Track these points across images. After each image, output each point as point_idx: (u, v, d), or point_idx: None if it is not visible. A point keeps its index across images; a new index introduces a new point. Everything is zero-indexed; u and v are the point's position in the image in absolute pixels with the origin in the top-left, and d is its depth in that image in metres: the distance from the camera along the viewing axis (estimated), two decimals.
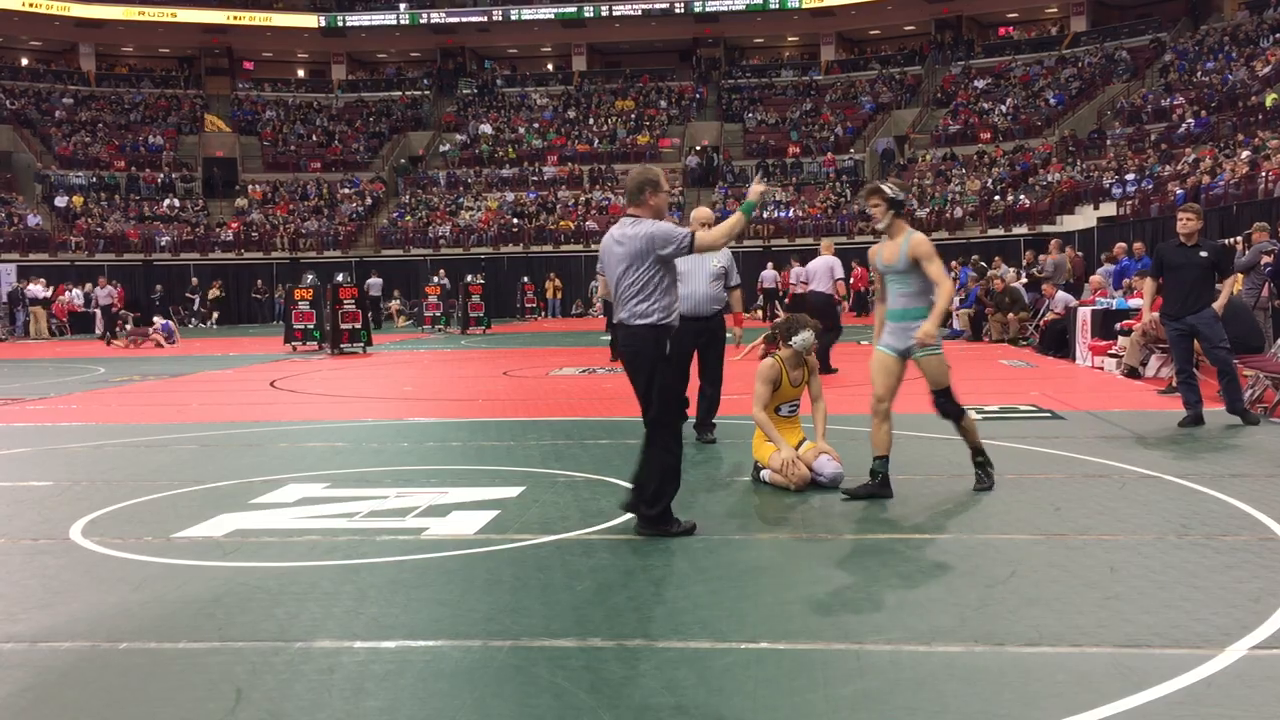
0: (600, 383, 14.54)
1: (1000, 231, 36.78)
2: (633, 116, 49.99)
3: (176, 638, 4.33)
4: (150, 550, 5.75)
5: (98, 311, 32.19)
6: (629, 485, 5.96)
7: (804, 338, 7.07)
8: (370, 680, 3.81)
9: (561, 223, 43.47)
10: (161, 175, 46.76)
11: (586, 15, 51.46)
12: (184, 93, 52.21)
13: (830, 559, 5.30)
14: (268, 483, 7.52)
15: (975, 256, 27.32)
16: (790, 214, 42.64)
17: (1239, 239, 15.55)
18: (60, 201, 43.84)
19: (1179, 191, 28.18)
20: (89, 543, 5.88)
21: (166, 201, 45.52)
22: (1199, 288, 9.13)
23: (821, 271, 14.63)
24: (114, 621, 4.55)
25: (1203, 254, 9.15)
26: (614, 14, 51.44)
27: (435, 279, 31.81)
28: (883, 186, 6.63)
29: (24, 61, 51.56)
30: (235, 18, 51.72)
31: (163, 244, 42.66)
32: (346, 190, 47.35)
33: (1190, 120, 34.68)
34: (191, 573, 5.34)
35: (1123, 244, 19.82)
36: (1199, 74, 37.86)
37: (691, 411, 9.26)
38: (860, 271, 30.88)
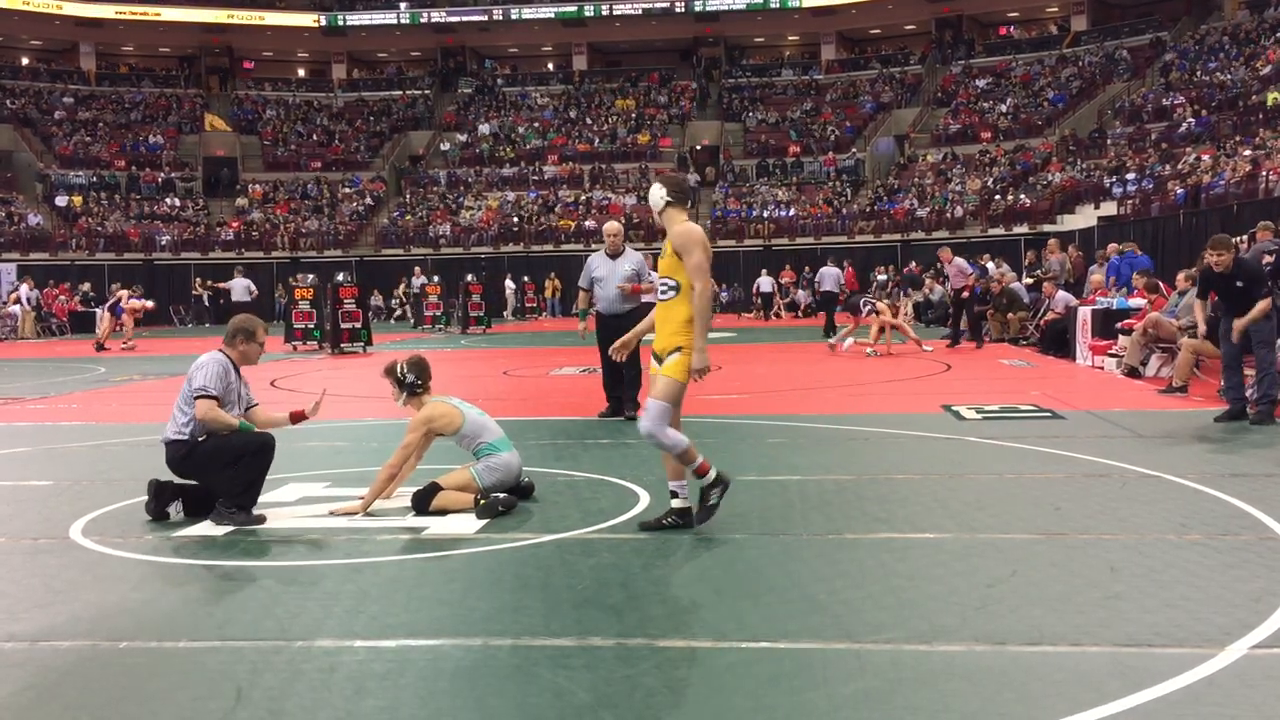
0: (601, 382, 14.49)
1: (1001, 231, 36.78)
2: (633, 116, 49.99)
3: (177, 637, 4.33)
4: (150, 549, 5.75)
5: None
6: None
7: (651, 191, 6.26)
8: (371, 679, 3.80)
9: (562, 222, 43.47)
10: (162, 175, 46.77)
11: (587, 14, 51.45)
12: (184, 92, 52.21)
13: (830, 559, 5.30)
14: (268, 482, 7.51)
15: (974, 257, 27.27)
16: (790, 214, 42.65)
17: (1244, 238, 15.55)
18: (61, 201, 43.86)
19: (1179, 191, 28.19)
20: (89, 542, 5.88)
21: (167, 201, 45.54)
22: (1244, 303, 9.60)
23: (958, 269, 19.34)
24: (114, 621, 4.54)
25: (1239, 284, 9.62)
26: (614, 13, 51.44)
27: (417, 279, 31.37)
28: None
29: (24, 61, 51.57)
30: (235, 17, 51.72)
31: (163, 243, 42.68)
32: (347, 190, 47.37)
33: (1191, 120, 34.68)
34: (191, 572, 5.34)
35: (1114, 244, 19.83)
36: (1200, 73, 37.85)
37: (608, 407, 9.96)
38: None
